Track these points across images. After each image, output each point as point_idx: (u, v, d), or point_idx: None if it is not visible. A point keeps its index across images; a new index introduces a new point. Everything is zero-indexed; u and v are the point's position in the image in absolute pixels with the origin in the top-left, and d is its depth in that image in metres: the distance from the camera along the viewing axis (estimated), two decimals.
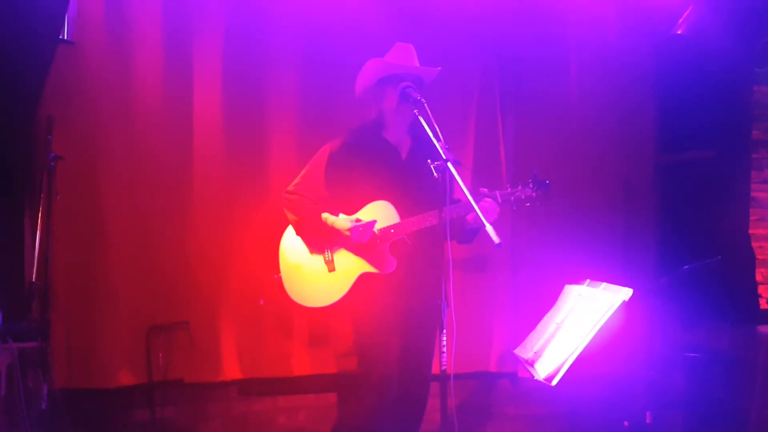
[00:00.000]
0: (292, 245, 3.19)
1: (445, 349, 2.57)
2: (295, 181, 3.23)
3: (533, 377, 3.03)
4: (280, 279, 3.18)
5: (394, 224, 3.07)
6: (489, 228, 2.48)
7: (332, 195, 3.17)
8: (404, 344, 3.09)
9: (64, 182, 3.38)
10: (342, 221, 3.07)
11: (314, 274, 3.12)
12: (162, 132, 3.72)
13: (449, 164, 2.62)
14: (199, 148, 3.78)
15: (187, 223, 3.76)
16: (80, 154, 3.56)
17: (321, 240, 3.12)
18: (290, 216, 3.18)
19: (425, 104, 2.80)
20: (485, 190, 3.08)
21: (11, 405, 2.97)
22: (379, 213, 3.09)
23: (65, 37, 3.57)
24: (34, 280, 3.31)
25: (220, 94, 3.80)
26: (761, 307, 4.31)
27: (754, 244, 4.32)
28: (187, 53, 3.77)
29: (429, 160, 2.67)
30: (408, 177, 3.12)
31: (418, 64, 3.17)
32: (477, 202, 2.98)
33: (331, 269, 3.10)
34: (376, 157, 3.14)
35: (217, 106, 3.80)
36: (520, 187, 3.12)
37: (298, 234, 3.17)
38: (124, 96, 3.67)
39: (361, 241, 3.04)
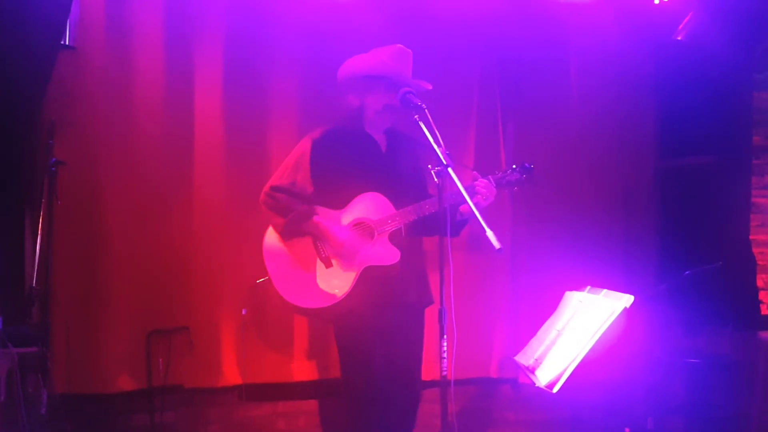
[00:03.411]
0: (280, 243, 3.08)
1: (445, 355, 2.56)
2: (278, 176, 3.14)
3: (534, 384, 3.02)
4: (266, 282, 3.08)
5: (391, 214, 3.05)
6: (489, 233, 2.47)
7: (317, 189, 3.10)
8: (392, 343, 3.04)
9: (65, 187, 3.38)
10: (336, 230, 3.01)
11: (309, 272, 3.04)
12: (163, 137, 3.72)
13: (450, 170, 2.62)
14: (200, 154, 3.77)
15: (187, 229, 3.75)
16: (81, 159, 3.55)
17: (311, 240, 3.05)
18: (274, 218, 3.08)
19: (426, 110, 2.81)
20: (478, 174, 3.10)
21: (11, 410, 2.96)
22: (371, 205, 3.06)
23: (67, 42, 3.57)
24: (34, 284, 3.30)
25: (221, 99, 3.80)
26: (762, 312, 4.31)
27: (754, 250, 4.32)
28: (189, 58, 3.77)
29: (429, 166, 2.68)
30: (389, 170, 3.13)
31: (410, 72, 3.16)
32: (474, 184, 3.02)
33: (329, 265, 3.04)
34: (359, 149, 3.13)
35: (218, 111, 3.80)
36: (508, 171, 3.18)
37: (284, 238, 3.07)
38: (126, 101, 3.67)
39: (354, 248, 3.01)
